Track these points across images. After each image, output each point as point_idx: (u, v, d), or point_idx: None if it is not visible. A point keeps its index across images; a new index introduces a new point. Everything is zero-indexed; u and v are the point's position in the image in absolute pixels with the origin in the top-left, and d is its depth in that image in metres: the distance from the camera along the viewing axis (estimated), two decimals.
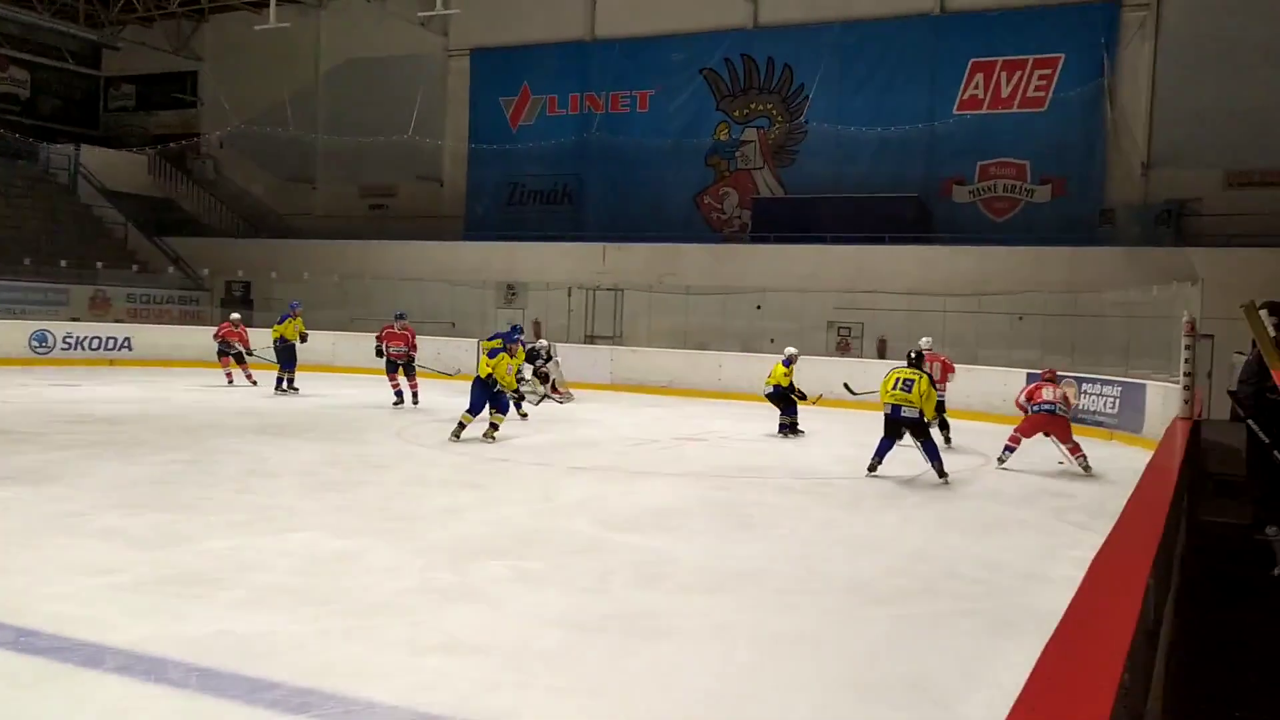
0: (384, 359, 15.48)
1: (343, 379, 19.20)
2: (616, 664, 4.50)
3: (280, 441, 11.14)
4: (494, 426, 11.77)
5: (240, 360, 17.65)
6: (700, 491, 9.11)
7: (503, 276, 24.24)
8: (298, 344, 16.96)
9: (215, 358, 17.88)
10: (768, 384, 13.66)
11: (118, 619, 4.69)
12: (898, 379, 9.96)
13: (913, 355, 10.39)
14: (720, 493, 9.13)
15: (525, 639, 4.72)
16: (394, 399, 15.46)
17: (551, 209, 26.91)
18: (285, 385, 16.71)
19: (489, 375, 11.75)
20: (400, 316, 15.80)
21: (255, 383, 17.24)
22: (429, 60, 27.73)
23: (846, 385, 13.90)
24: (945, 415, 12.83)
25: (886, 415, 9.99)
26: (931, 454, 9.87)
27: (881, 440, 10.09)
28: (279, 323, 17.02)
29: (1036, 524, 8.23)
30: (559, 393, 16.62)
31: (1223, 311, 13.25)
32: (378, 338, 15.67)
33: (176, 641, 4.40)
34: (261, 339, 17.91)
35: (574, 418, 14.92)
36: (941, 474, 9.80)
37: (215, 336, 17.89)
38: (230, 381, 17.46)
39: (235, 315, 18.36)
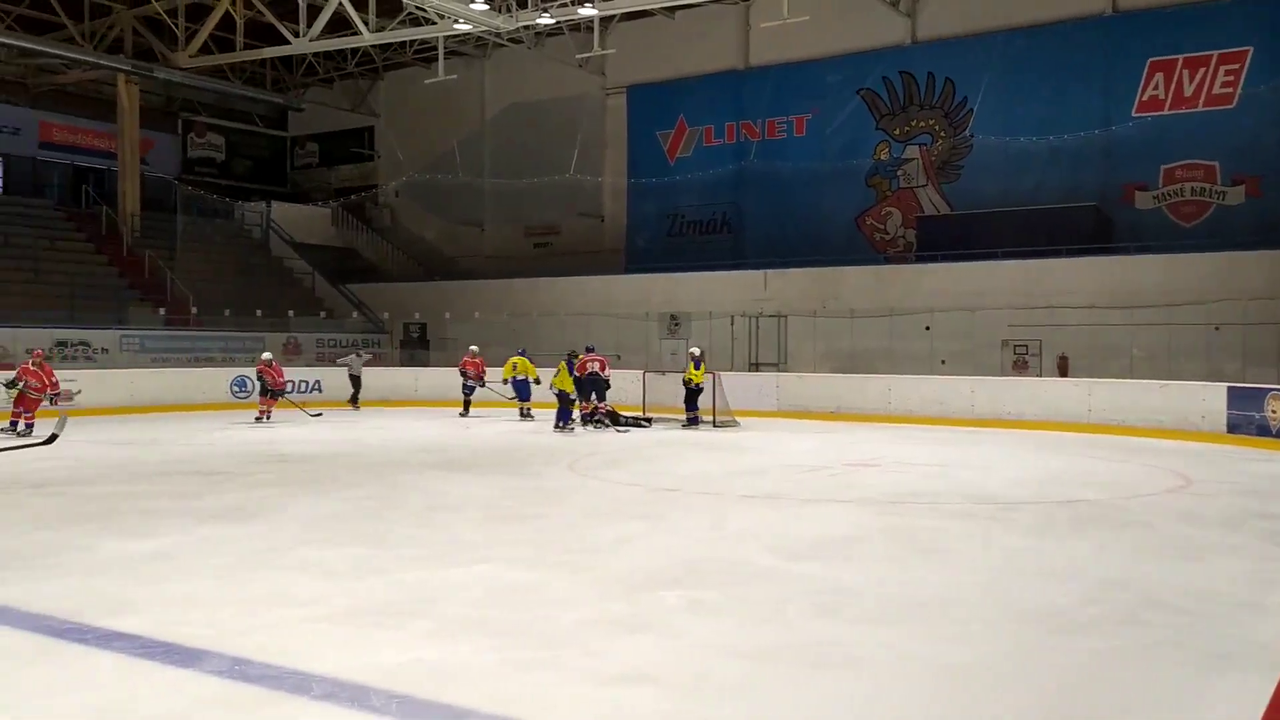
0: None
1: (515, 413, 19.72)
2: (799, 695, 4.42)
3: (458, 476, 11.55)
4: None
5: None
6: (875, 518, 8.89)
7: (665, 307, 24.49)
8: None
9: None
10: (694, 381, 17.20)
11: (321, 648, 4.94)
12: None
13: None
14: (896, 519, 8.87)
15: (705, 669, 4.71)
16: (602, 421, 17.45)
17: (711, 238, 27.06)
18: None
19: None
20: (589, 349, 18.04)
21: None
22: (587, 100, 28.49)
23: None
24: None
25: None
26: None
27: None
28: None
29: (1247, 549, 7.64)
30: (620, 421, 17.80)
31: None
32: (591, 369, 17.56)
33: (375, 669, 4.60)
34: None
35: (741, 445, 14.86)
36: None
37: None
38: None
39: (473, 347, 20.62)
